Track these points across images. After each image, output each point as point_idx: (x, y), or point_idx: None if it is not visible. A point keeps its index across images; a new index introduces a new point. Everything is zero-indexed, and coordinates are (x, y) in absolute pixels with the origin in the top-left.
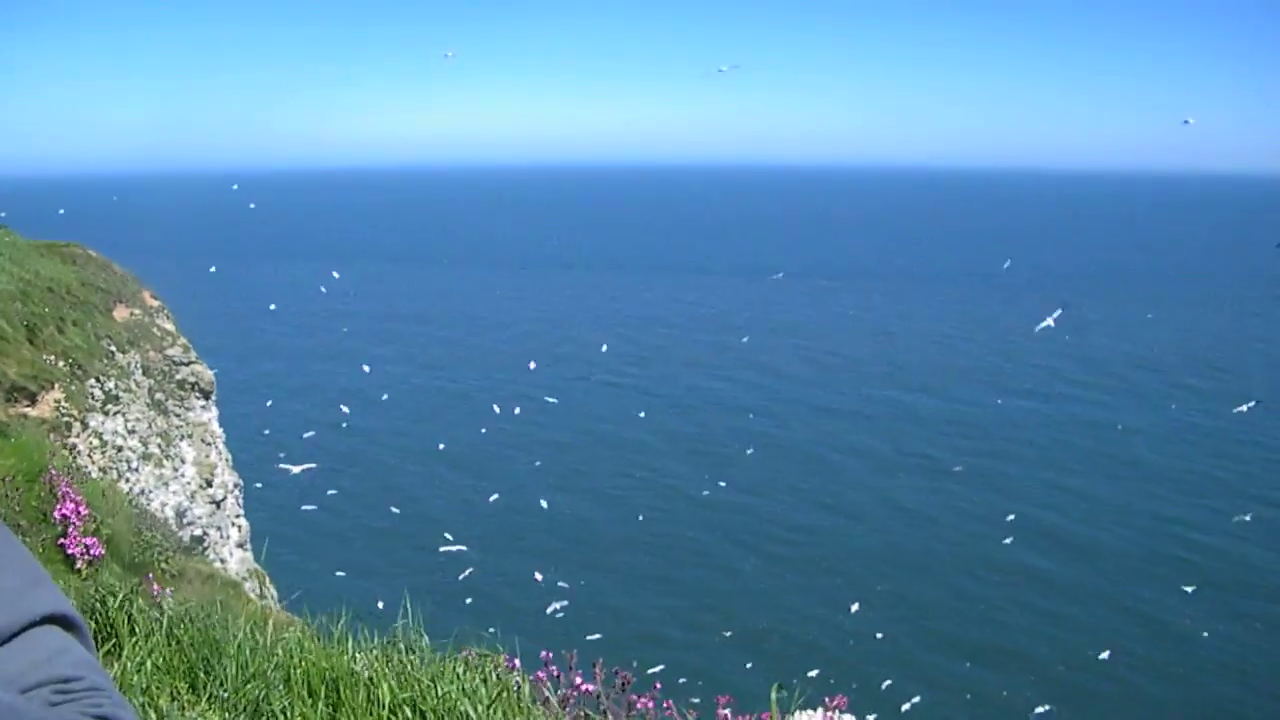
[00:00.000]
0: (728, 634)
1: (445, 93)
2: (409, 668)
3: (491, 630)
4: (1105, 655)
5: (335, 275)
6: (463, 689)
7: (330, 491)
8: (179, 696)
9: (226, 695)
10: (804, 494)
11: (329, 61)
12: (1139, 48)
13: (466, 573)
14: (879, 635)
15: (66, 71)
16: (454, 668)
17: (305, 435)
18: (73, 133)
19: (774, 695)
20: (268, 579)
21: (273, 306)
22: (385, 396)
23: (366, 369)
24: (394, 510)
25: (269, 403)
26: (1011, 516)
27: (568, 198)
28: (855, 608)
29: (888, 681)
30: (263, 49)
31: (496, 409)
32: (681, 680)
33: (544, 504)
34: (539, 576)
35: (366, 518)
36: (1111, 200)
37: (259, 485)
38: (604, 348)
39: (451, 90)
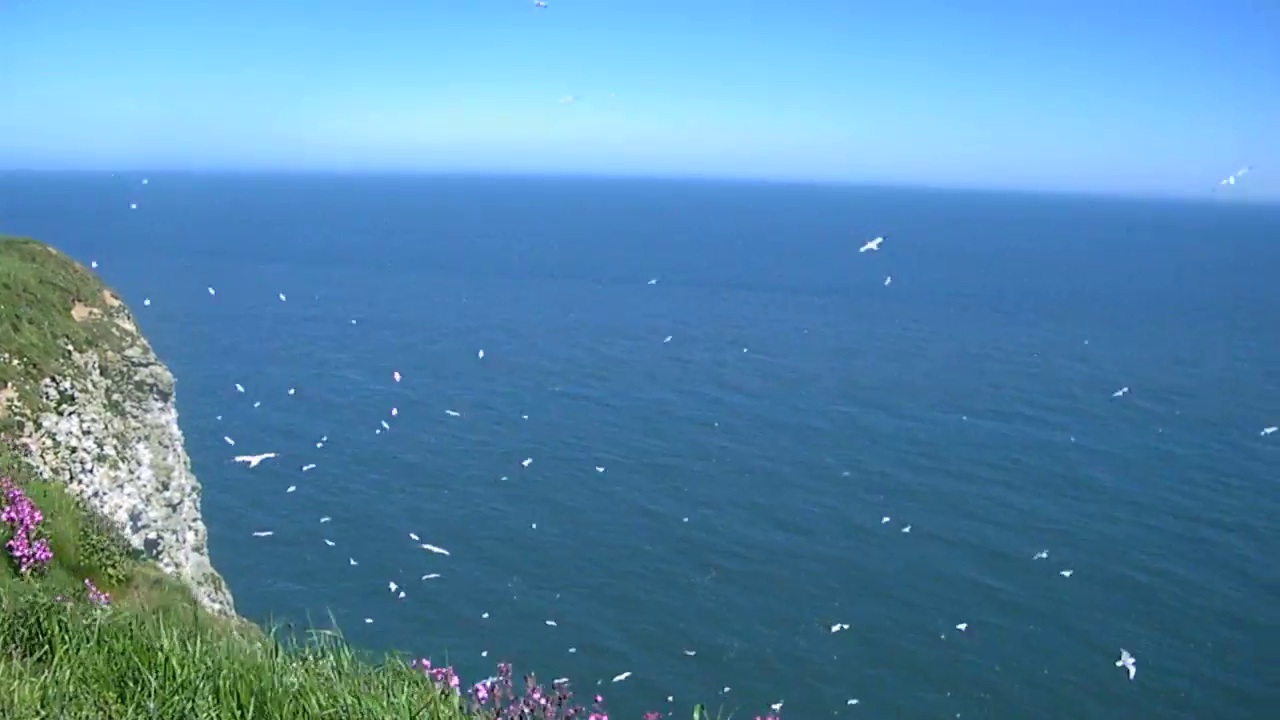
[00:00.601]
0: (676, 648)
1: (426, 100)
2: (339, 679)
3: (436, 640)
4: (1046, 672)
5: (282, 298)
6: (390, 701)
7: (290, 489)
8: (106, 707)
9: (153, 707)
10: (758, 509)
11: (312, 64)
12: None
13: (415, 581)
14: (829, 652)
15: (66, 68)
16: (385, 679)
17: (262, 440)
18: (73, 129)
19: (696, 715)
20: (223, 583)
21: (214, 294)
22: (341, 401)
23: (333, 386)
24: (343, 518)
25: (223, 411)
26: (961, 534)
27: (545, 206)
28: (808, 625)
29: (849, 699)
30: (245, 50)
31: (455, 414)
32: (623, 693)
33: (495, 511)
34: (477, 583)
35: (319, 526)
36: (1081, 223)
37: (216, 489)
38: (564, 358)
39: (432, 98)
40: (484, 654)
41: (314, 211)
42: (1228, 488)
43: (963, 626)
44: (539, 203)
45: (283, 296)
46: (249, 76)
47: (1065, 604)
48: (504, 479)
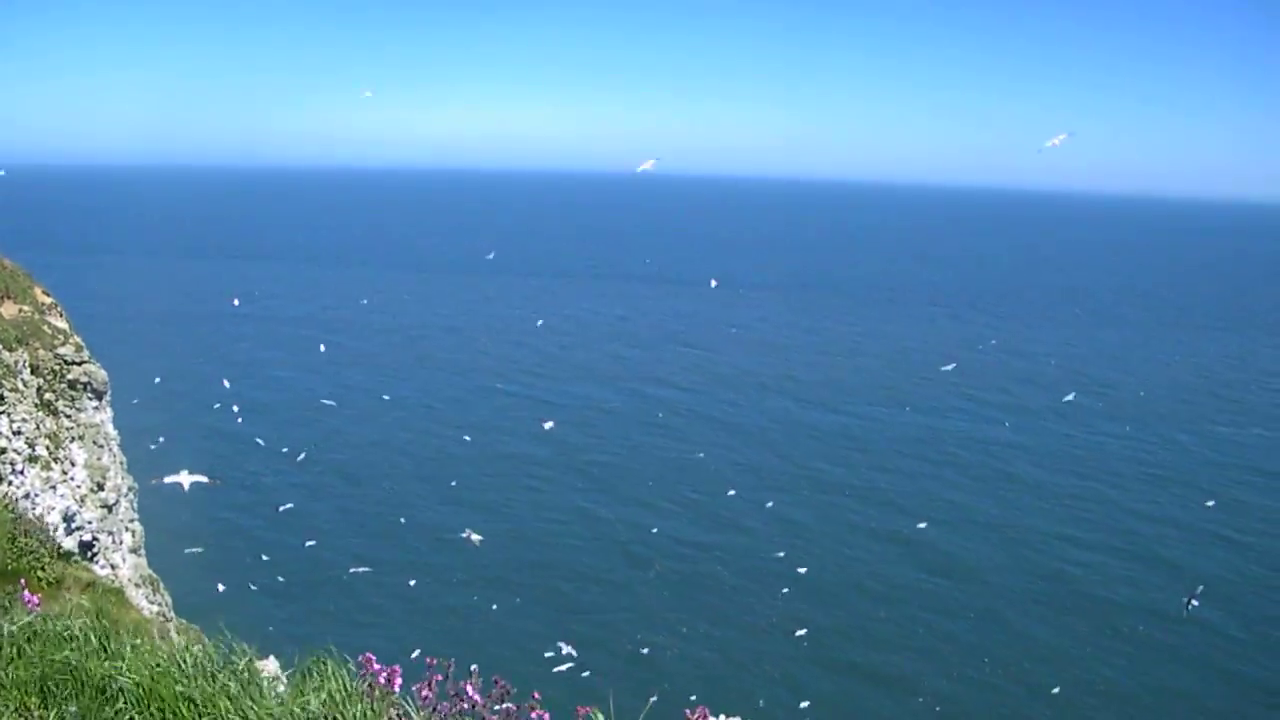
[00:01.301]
0: (614, 647)
1: (425, 96)
2: (264, 681)
3: (367, 638)
4: (986, 670)
5: (235, 302)
6: (308, 704)
7: (224, 486)
8: (28, 712)
9: (74, 711)
10: (699, 509)
11: (312, 60)
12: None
13: (348, 578)
14: (769, 650)
15: (58, 64)
16: (318, 681)
17: (200, 440)
18: (74, 124)
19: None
20: (161, 585)
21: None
22: (278, 399)
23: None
24: (279, 516)
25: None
26: (900, 532)
27: (514, 201)
28: (747, 623)
29: (784, 697)
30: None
31: (395, 413)
32: (558, 691)
33: (430, 510)
34: (413, 583)
35: (255, 526)
36: (1042, 220)
37: (154, 489)
38: (503, 356)
39: (431, 94)
40: (415, 654)
41: (295, 207)
42: (1160, 481)
43: (900, 625)
44: (512, 198)
45: (236, 301)
46: (247, 72)
47: (1000, 600)
48: (441, 478)
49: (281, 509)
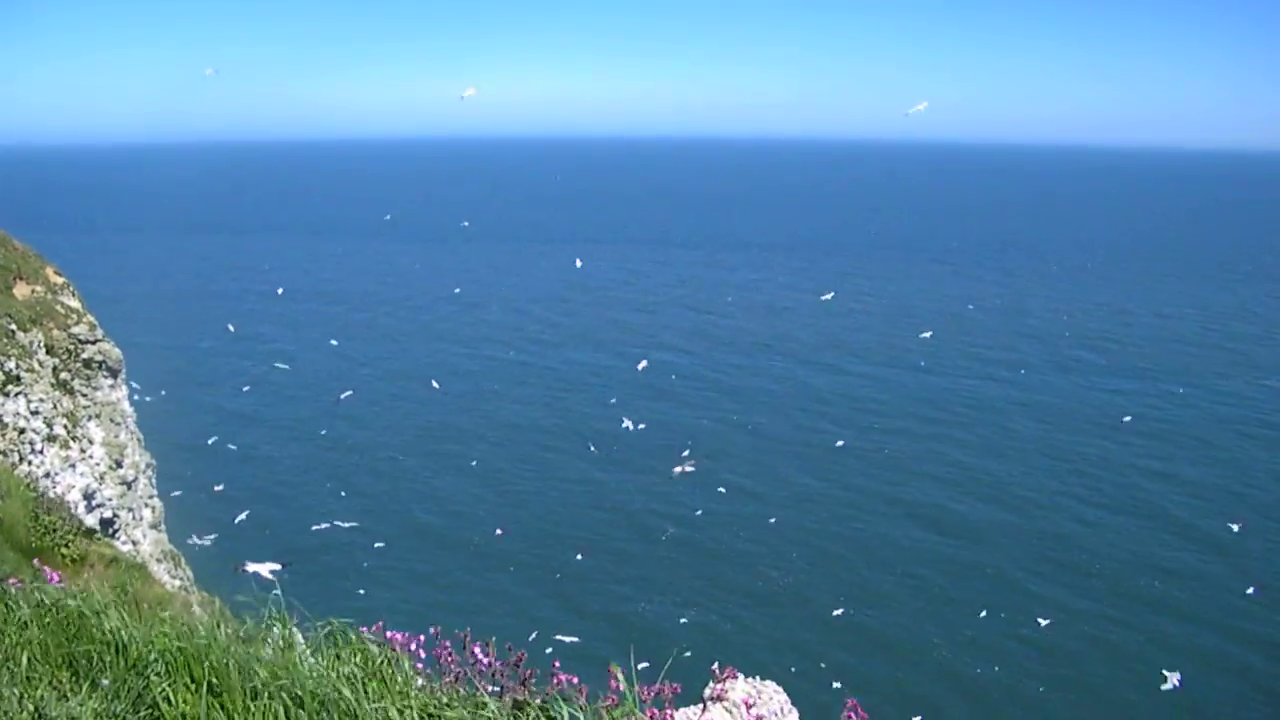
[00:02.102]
0: (623, 615)
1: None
2: (291, 650)
3: (379, 611)
4: (989, 629)
5: (280, 291)
6: (339, 671)
7: (248, 465)
8: (59, 685)
9: (107, 684)
10: (694, 474)
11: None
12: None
13: (357, 552)
14: (777, 616)
15: (71, 43)
16: (334, 649)
17: (213, 416)
18: (77, 103)
19: (617, 671)
20: (182, 560)
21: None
22: (285, 367)
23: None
24: (285, 490)
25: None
26: (905, 493)
27: (523, 168)
28: (754, 590)
29: (797, 662)
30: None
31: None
32: (570, 660)
33: (437, 487)
34: (425, 560)
35: (262, 500)
36: (1058, 175)
37: (172, 464)
38: (498, 323)
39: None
40: (431, 630)
41: (316, 181)
42: (1165, 436)
43: (913, 585)
44: (521, 165)
45: (280, 290)
46: (268, 44)
47: (995, 559)
48: (449, 450)
49: (298, 482)
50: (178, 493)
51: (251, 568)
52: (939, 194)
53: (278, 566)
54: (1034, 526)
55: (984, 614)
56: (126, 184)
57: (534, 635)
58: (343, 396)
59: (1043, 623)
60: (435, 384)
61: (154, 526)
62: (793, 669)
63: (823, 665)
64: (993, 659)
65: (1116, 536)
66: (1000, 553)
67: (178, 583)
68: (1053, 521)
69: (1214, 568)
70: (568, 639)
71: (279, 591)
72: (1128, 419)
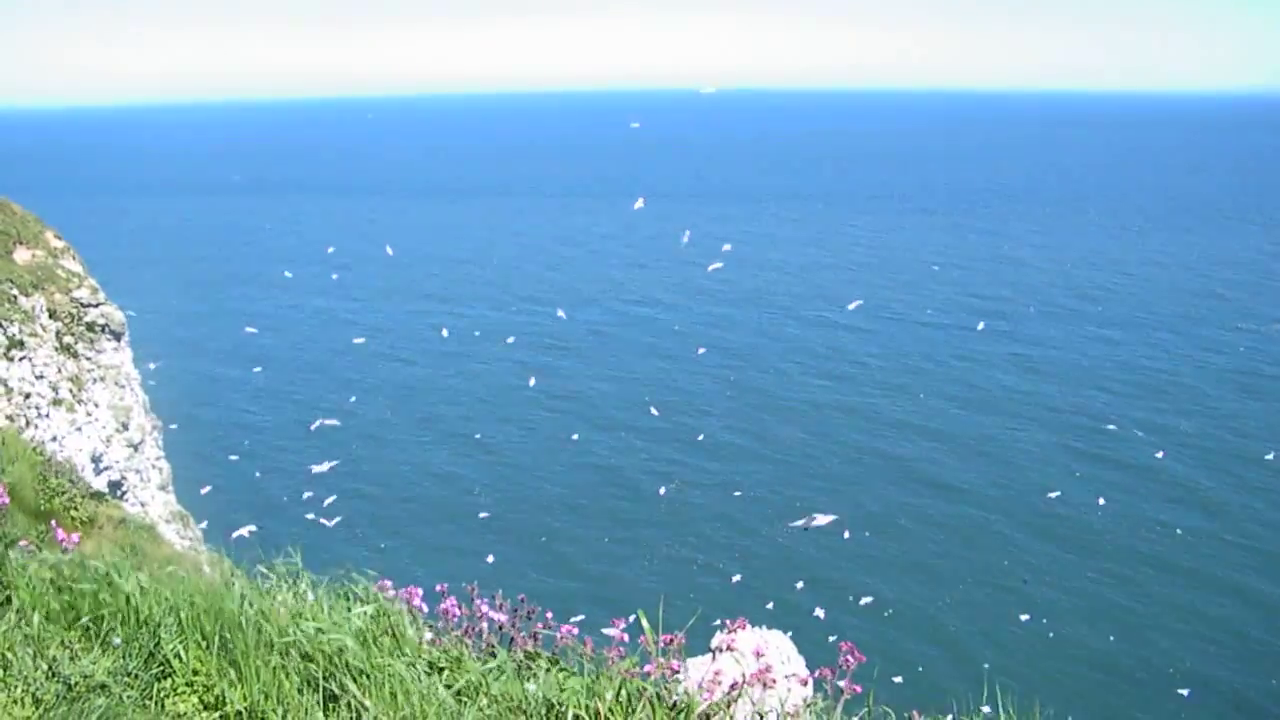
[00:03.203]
0: (644, 562)
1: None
2: (300, 607)
3: (389, 566)
4: (975, 586)
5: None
6: (350, 626)
7: (254, 420)
8: (70, 646)
9: (119, 642)
10: (694, 433)
11: None
12: None
13: (367, 516)
14: (773, 574)
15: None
16: (343, 604)
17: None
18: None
19: (644, 620)
20: (191, 520)
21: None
22: (300, 337)
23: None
24: (302, 452)
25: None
26: (893, 447)
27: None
28: (748, 551)
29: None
30: None
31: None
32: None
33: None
34: (431, 523)
35: (279, 457)
36: (1025, 120)
37: (174, 427)
38: (514, 283)
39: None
40: (438, 587)
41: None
42: (1153, 389)
43: (902, 543)
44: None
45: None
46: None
47: (997, 514)
48: (472, 410)
49: (304, 445)
50: (186, 454)
51: (235, 533)
52: (920, 144)
53: (254, 528)
54: (1024, 481)
55: (971, 570)
56: (141, 146)
57: (527, 594)
58: (356, 341)
59: (1026, 580)
60: (444, 331)
61: (162, 488)
62: (789, 627)
63: (818, 617)
64: (979, 617)
65: (1104, 490)
66: (989, 510)
67: (187, 543)
68: (1041, 476)
69: (1204, 522)
70: (558, 598)
71: (292, 551)
72: (1115, 369)
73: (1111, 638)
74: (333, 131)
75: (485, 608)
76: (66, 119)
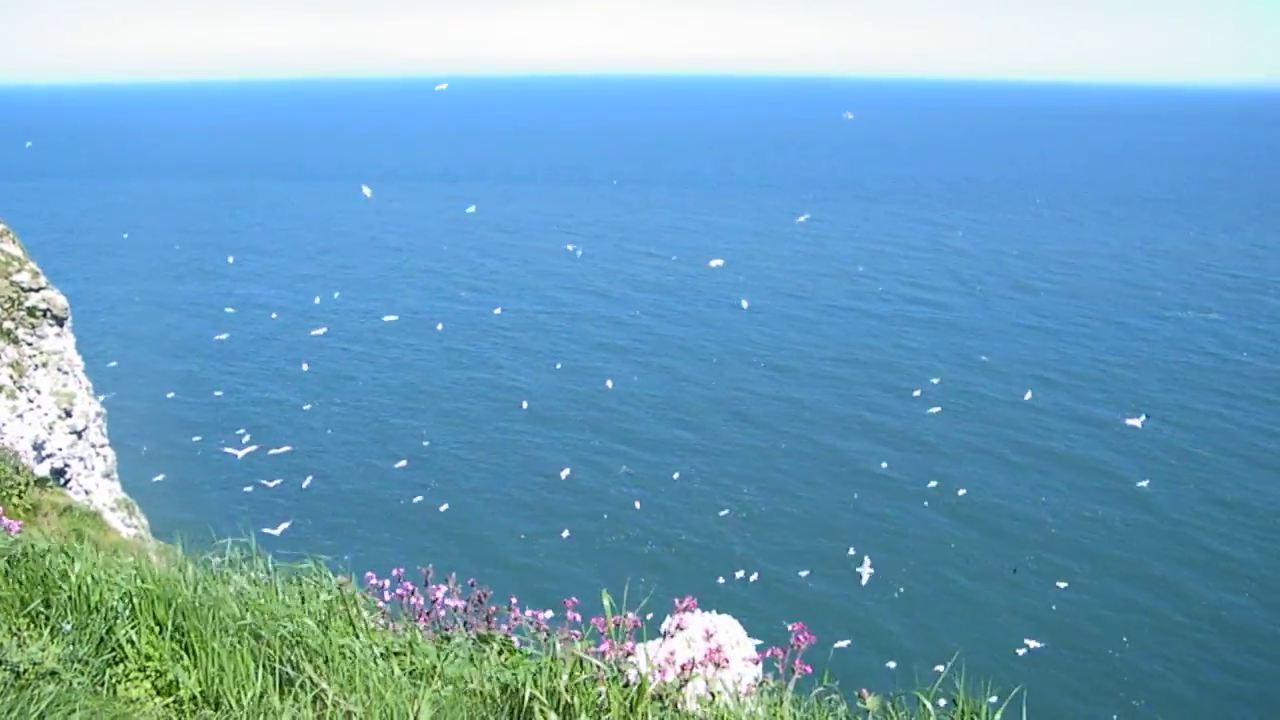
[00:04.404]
0: (590, 547)
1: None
2: (254, 592)
3: (344, 549)
4: (945, 562)
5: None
6: (308, 609)
7: (196, 409)
8: (18, 633)
9: (69, 628)
10: (656, 406)
11: None
12: None
13: (310, 485)
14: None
15: None
16: (297, 588)
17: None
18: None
19: (606, 601)
20: (136, 508)
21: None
22: (274, 316)
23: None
24: (247, 433)
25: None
26: (829, 439)
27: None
28: (723, 513)
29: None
30: None
31: (321, 331)
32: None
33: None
34: (390, 502)
35: (228, 440)
36: (994, 112)
37: (123, 412)
38: (474, 264)
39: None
40: (395, 571)
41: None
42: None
43: (870, 514)
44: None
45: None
46: None
47: (922, 511)
48: (412, 391)
49: (250, 430)
50: (132, 441)
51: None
52: (887, 132)
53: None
54: (952, 473)
55: (902, 559)
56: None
57: (483, 577)
58: (315, 333)
59: (1016, 569)
60: (388, 318)
61: (106, 475)
62: (744, 609)
63: (771, 601)
64: (914, 607)
65: (1037, 479)
66: (913, 501)
67: (133, 531)
68: (975, 467)
69: (1164, 492)
70: (526, 573)
71: (250, 539)
72: (1083, 357)
73: (1046, 623)
74: (322, 113)
75: (440, 592)
76: (57, 96)
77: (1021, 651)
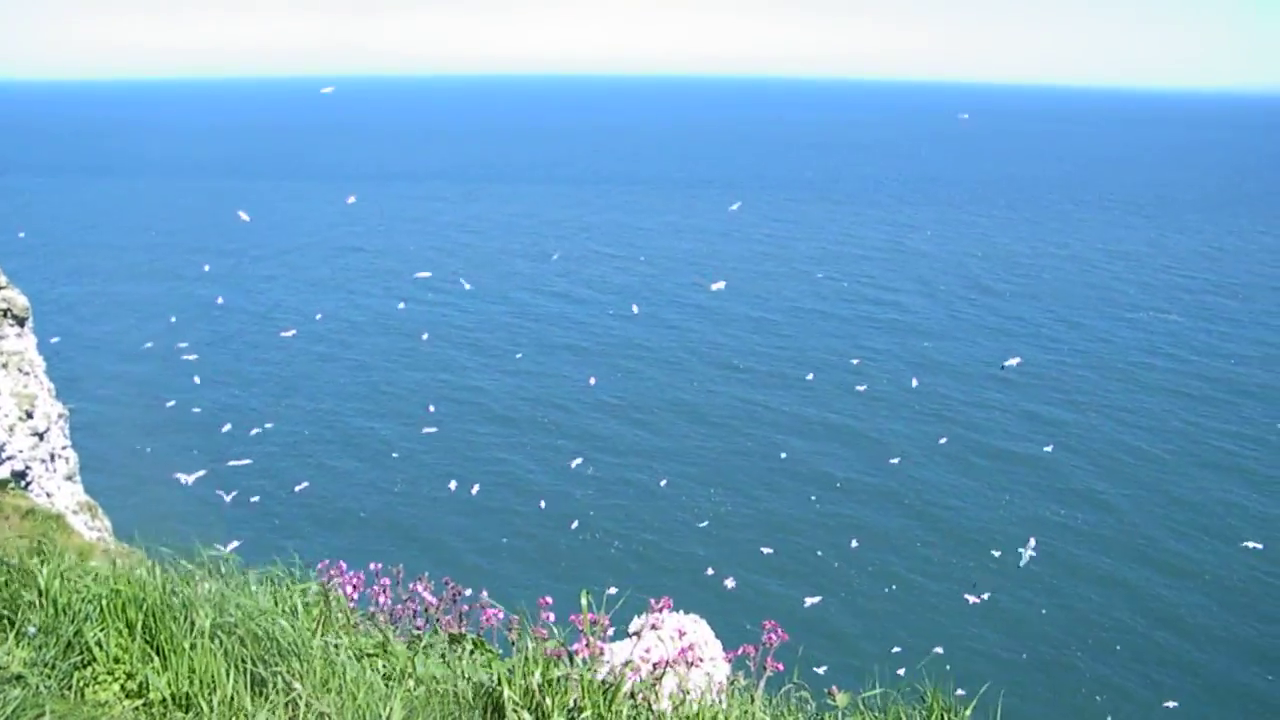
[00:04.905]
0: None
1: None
2: (226, 593)
3: (318, 550)
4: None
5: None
6: (283, 608)
7: (167, 404)
8: None
9: (34, 631)
10: (612, 408)
11: None
12: None
13: (299, 489)
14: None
15: None
16: (273, 590)
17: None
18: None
19: (585, 599)
20: (99, 510)
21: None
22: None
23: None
24: (218, 438)
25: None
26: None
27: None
28: (701, 522)
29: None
30: None
31: (290, 333)
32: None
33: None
34: (348, 504)
35: (194, 441)
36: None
37: (82, 413)
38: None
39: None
40: (373, 566)
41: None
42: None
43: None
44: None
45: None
46: None
47: (875, 512)
48: (372, 388)
49: (223, 430)
50: (95, 443)
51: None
52: (851, 133)
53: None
54: (906, 475)
55: (855, 560)
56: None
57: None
58: (285, 335)
59: (903, 565)
60: (425, 336)
61: (69, 478)
62: (705, 612)
63: (731, 603)
64: (873, 612)
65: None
66: (868, 503)
67: (95, 534)
68: (927, 471)
69: (1089, 513)
70: (489, 578)
71: (223, 542)
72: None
73: (1006, 623)
74: (315, 113)
75: (419, 588)
76: (55, 93)
77: (981, 649)
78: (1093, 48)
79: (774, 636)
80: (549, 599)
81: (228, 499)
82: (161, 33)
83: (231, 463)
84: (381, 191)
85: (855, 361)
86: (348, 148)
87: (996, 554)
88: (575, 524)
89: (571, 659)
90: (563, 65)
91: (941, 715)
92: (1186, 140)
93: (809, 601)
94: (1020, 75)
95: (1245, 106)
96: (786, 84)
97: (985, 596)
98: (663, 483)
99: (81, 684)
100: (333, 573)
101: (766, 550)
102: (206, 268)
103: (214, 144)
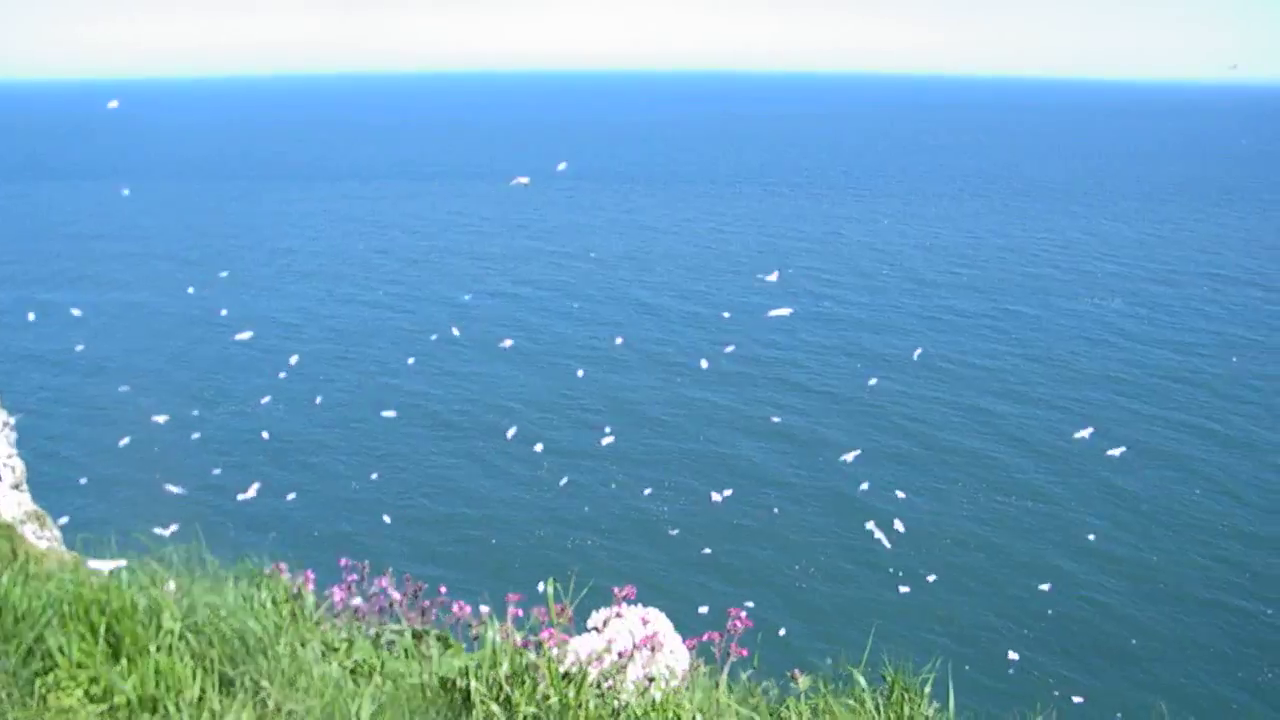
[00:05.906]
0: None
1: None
2: (193, 594)
3: (284, 551)
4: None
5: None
6: (250, 608)
7: (114, 419)
8: None
9: None
10: (566, 403)
11: None
12: None
13: (250, 493)
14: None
15: None
16: (239, 589)
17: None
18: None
19: (550, 588)
20: (49, 520)
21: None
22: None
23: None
24: (172, 442)
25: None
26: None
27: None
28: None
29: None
30: None
31: (248, 335)
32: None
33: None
34: (315, 506)
35: (145, 454)
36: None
37: (31, 419)
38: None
39: None
40: (341, 561)
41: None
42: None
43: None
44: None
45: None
46: None
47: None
48: (324, 388)
49: (170, 431)
50: (42, 450)
51: (93, 564)
52: (808, 126)
53: (121, 563)
54: (837, 471)
55: (838, 538)
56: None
57: (422, 571)
58: (239, 337)
59: (860, 569)
60: (409, 358)
61: (15, 487)
62: (668, 598)
63: (697, 589)
64: (847, 588)
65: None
66: (802, 501)
67: (45, 544)
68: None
69: (1029, 503)
70: (447, 575)
71: (195, 543)
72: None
73: (951, 619)
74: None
75: (384, 583)
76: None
77: (935, 642)
78: (1056, 39)
79: (738, 624)
80: (516, 595)
81: (184, 500)
82: (147, 29)
83: (173, 468)
84: (329, 192)
85: (799, 357)
86: (336, 144)
87: (939, 550)
88: (518, 529)
89: (540, 647)
90: (554, 61)
91: (902, 694)
92: (1173, 131)
93: (749, 604)
94: (1014, 67)
95: (1247, 99)
96: (749, 78)
97: (935, 596)
98: (610, 485)
99: (44, 690)
100: (301, 573)
101: (706, 551)
102: (179, 275)
103: (199, 143)
